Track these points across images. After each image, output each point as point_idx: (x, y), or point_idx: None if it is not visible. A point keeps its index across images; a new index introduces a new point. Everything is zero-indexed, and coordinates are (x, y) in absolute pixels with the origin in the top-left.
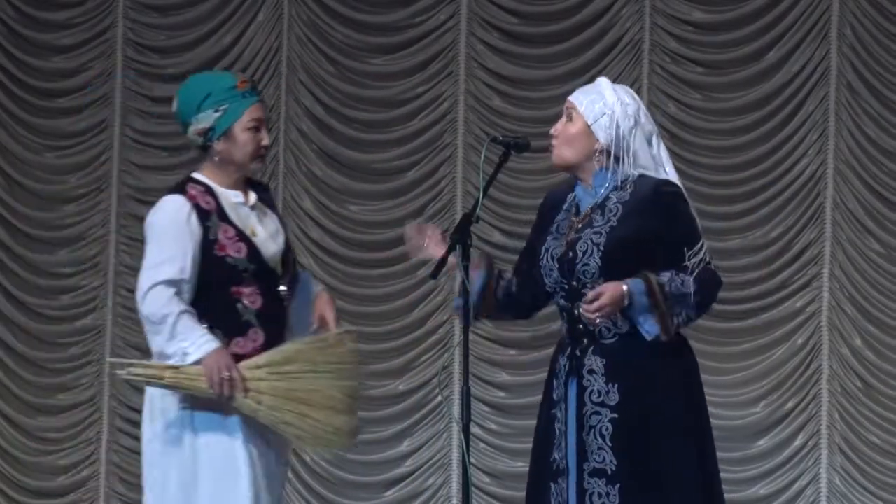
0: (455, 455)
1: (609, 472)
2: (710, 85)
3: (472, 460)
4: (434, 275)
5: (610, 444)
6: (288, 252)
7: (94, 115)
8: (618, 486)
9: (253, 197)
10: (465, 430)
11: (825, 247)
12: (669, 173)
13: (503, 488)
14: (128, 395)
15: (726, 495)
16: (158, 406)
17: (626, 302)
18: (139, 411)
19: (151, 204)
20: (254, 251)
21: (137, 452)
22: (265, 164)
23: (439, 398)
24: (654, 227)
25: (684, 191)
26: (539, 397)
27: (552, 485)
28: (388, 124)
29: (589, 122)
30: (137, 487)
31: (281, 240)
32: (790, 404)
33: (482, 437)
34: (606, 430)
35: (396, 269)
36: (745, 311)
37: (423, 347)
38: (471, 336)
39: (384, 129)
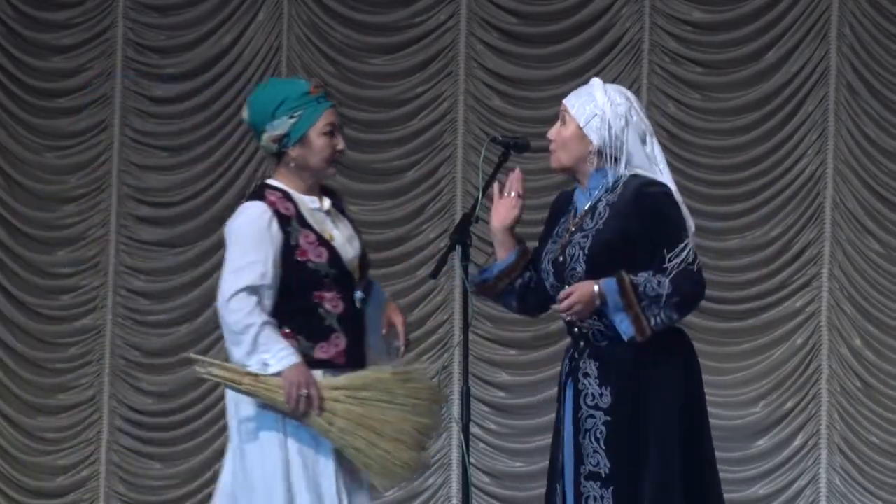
0: (455, 455)
1: (603, 475)
2: (709, 85)
3: (472, 460)
4: (434, 275)
5: (604, 446)
6: (364, 257)
7: (93, 115)
8: (611, 489)
9: (327, 202)
10: (465, 430)
11: (824, 247)
12: (663, 171)
13: (503, 488)
14: (128, 396)
15: (726, 495)
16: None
17: (597, 302)
18: (139, 411)
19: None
20: (334, 256)
21: (137, 452)
22: (337, 170)
23: None
24: (636, 229)
25: (673, 190)
26: (538, 397)
27: (557, 486)
28: (388, 124)
29: (581, 125)
30: (137, 487)
31: (357, 244)
32: (790, 404)
33: (482, 437)
34: (601, 433)
35: (396, 269)
36: (745, 311)
37: (423, 347)
38: (471, 336)
39: (384, 129)
